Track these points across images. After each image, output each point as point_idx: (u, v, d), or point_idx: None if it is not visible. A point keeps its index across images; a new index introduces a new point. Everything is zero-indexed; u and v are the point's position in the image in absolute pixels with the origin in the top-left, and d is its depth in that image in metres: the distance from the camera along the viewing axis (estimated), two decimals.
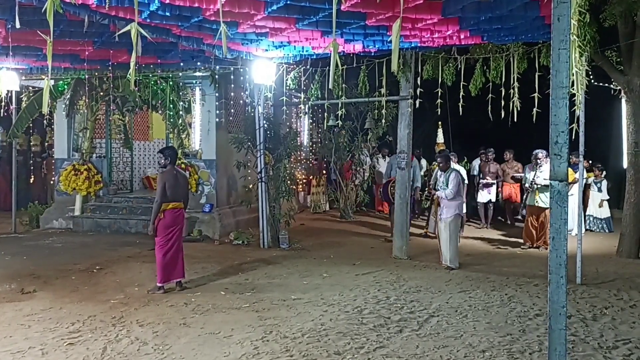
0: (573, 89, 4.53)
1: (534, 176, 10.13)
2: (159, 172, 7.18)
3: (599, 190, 12.89)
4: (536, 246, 10.37)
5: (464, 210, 12.01)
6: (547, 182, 8.51)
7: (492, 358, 4.83)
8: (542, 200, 10.03)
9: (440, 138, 15.36)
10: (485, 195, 13.06)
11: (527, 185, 10.45)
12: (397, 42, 2.30)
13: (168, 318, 5.86)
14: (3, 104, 10.91)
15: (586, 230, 12.39)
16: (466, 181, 11.99)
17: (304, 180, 14.78)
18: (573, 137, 6.15)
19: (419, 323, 5.78)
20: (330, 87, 3.12)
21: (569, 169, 11.07)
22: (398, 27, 2.25)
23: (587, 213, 12.84)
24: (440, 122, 14.52)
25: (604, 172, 13.10)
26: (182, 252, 7.15)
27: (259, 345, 5.05)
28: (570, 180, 11.35)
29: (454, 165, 12.05)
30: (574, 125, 5.45)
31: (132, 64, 2.78)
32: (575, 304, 6.58)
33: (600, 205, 12.79)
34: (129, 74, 2.98)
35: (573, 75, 4.45)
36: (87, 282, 7.42)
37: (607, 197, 12.85)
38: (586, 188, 13.14)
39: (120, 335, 5.32)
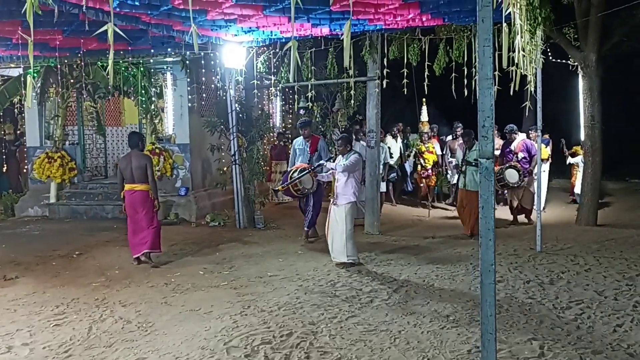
0: (523, 71, 4.87)
1: (466, 156, 9.41)
2: None
3: None
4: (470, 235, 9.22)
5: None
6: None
7: (456, 321, 5.21)
8: (471, 183, 9.19)
9: (424, 116, 14.97)
10: (455, 176, 11.86)
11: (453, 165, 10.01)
12: (348, 42, 2.56)
13: (149, 298, 6.11)
14: None
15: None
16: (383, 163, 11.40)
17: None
18: (526, 114, 6.56)
19: (389, 293, 6.13)
20: (291, 80, 3.36)
21: (543, 146, 11.03)
22: (348, 27, 2.51)
23: (576, 192, 12.22)
24: (424, 100, 14.07)
25: None
26: (145, 229, 7.53)
27: (237, 319, 5.34)
28: (544, 157, 11.40)
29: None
30: (527, 102, 5.81)
31: (110, 62, 2.99)
32: (534, 269, 7.02)
33: None
34: (108, 70, 3.18)
35: (523, 58, 4.78)
36: (68, 267, 7.61)
37: None
38: (571, 168, 12.87)
39: (104, 315, 5.56)
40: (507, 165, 10.29)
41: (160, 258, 7.90)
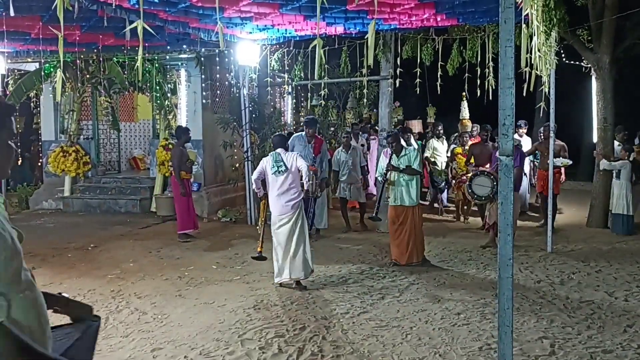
0: (538, 71, 4.92)
1: (395, 162, 7.18)
2: None
3: None
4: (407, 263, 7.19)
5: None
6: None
7: (467, 319, 5.26)
8: (405, 197, 7.22)
9: (465, 114, 13.50)
10: None
11: (379, 176, 7.53)
12: (372, 41, 2.62)
13: (164, 290, 6.21)
14: None
15: None
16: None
17: None
18: (540, 115, 6.60)
19: (400, 290, 6.20)
20: (316, 77, 3.44)
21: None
22: (373, 27, 2.58)
23: None
24: (464, 94, 12.52)
25: None
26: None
27: (251, 313, 5.43)
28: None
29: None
30: (541, 103, 5.85)
31: (139, 58, 3.08)
32: (545, 270, 7.06)
33: None
34: (137, 65, 3.28)
35: (539, 58, 4.83)
36: (83, 259, 7.73)
37: None
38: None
39: (120, 306, 5.67)
40: (478, 172, 8.23)
41: (173, 252, 8.09)
